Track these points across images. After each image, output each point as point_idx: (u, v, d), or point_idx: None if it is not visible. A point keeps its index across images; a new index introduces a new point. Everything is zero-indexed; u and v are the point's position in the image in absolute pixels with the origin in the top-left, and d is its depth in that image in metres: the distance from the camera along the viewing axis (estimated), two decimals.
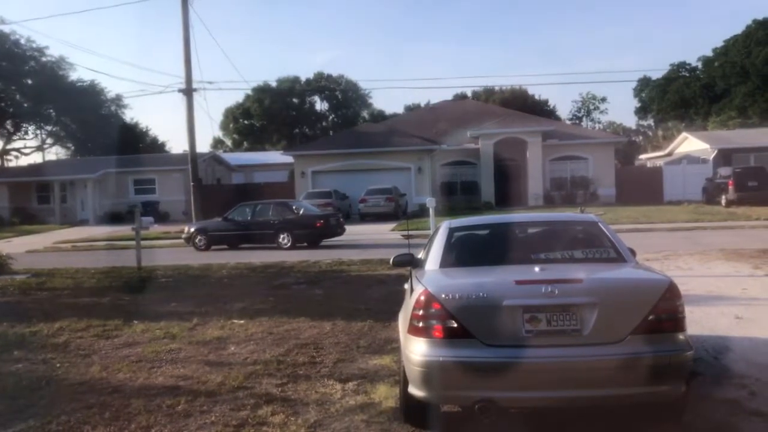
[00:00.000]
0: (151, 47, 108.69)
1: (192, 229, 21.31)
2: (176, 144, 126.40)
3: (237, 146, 74.71)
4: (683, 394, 4.47)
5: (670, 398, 4.40)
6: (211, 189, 38.62)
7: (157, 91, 64.87)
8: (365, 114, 78.02)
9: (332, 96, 78.68)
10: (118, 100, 54.31)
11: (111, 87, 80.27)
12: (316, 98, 79.38)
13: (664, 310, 4.33)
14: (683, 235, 19.15)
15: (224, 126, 76.60)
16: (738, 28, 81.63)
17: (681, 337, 4.37)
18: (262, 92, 71.20)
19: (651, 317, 4.28)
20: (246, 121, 75.95)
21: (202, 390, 5.88)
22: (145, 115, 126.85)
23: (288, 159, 40.43)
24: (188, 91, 26.31)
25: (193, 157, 27.01)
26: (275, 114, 72.47)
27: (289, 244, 19.85)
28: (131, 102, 71.16)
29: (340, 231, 21.24)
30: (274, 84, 73.54)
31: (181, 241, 21.64)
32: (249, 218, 21.00)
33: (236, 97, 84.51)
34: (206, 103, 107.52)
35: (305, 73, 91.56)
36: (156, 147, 63.19)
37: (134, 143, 55.61)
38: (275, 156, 49.57)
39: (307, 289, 11.80)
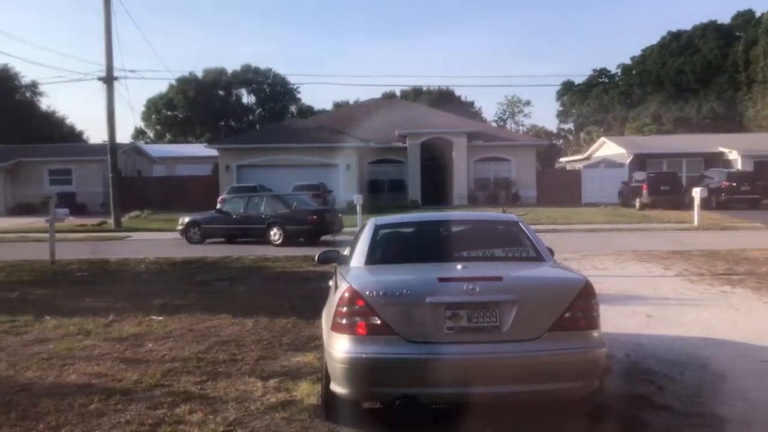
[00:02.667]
0: (70, 32, 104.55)
1: (186, 221, 20.37)
2: (95, 134, 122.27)
3: (159, 138, 72.73)
4: (597, 390, 4.63)
5: (584, 394, 4.54)
6: (131, 181, 37.53)
7: (76, 79, 62.32)
8: (293, 109, 77.38)
9: (260, 89, 77.68)
10: (33, 86, 52.03)
11: (26, 73, 76.76)
12: (243, 91, 78.23)
13: (579, 309, 4.47)
14: (599, 236, 19.85)
15: (146, 117, 74.44)
16: (654, 38, 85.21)
17: (595, 334, 4.53)
18: (186, 83, 69.53)
19: (567, 315, 4.42)
20: (169, 113, 74.04)
21: (117, 388, 5.69)
22: (62, 103, 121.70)
23: (212, 152, 39.69)
24: (108, 80, 25.47)
25: (112, 147, 26.16)
26: (200, 106, 70.89)
27: (280, 241, 18.61)
28: (48, 89, 68.01)
29: (337, 227, 19.76)
30: (199, 75, 71.99)
31: (107, 233, 20.88)
32: (241, 211, 19.85)
33: (159, 87, 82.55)
34: (128, 93, 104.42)
35: (232, 65, 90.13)
36: (73, 136, 60.76)
37: (50, 132, 53.31)
38: (199, 149, 48.59)
39: (229, 286, 11.61)
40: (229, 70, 75.85)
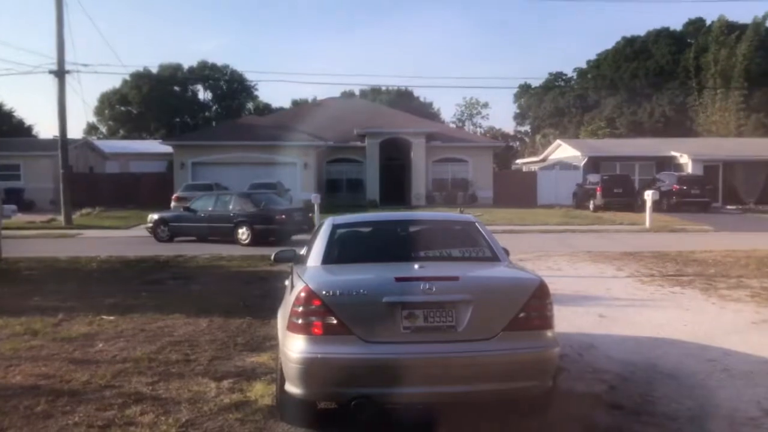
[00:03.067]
0: (20, 23, 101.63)
1: (154, 218, 19.78)
2: (46, 129, 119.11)
3: (112, 134, 71.15)
4: (550, 389, 4.68)
5: (538, 393, 4.59)
6: (82, 177, 36.60)
7: (26, 71, 60.81)
8: (250, 106, 76.59)
9: (216, 86, 76.69)
10: None
11: None
12: (199, 87, 77.10)
13: (534, 308, 4.52)
14: (554, 237, 20.15)
15: (99, 112, 72.75)
16: (609, 43, 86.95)
17: (549, 334, 4.58)
18: (141, 78, 68.20)
19: (522, 315, 4.46)
20: (123, 108, 72.50)
21: (66, 389, 5.54)
22: (11, 96, 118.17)
23: (167, 149, 38.99)
24: (60, 73, 24.85)
25: (63, 143, 25.51)
26: (155, 102, 69.60)
27: (248, 240, 18.08)
28: None
29: (306, 227, 18.68)
30: (154, 70, 70.66)
31: (61, 231, 20.30)
32: (210, 209, 19.29)
33: (113, 81, 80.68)
34: (80, 87, 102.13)
35: (189, 61, 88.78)
36: (22, 131, 59.00)
37: None
38: (153, 145, 47.71)
39: (183, 285, 11.42)
40: (185, 66, 74.79)
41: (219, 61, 79.57)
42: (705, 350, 6.82)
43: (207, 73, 75.04)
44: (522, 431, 4.58)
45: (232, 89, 77.05)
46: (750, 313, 8.74)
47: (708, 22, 64.83)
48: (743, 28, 57.76)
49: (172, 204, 28.04)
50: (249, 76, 78.01)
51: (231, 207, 19.06)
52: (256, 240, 18.04)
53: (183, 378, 5.88)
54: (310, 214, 20.56)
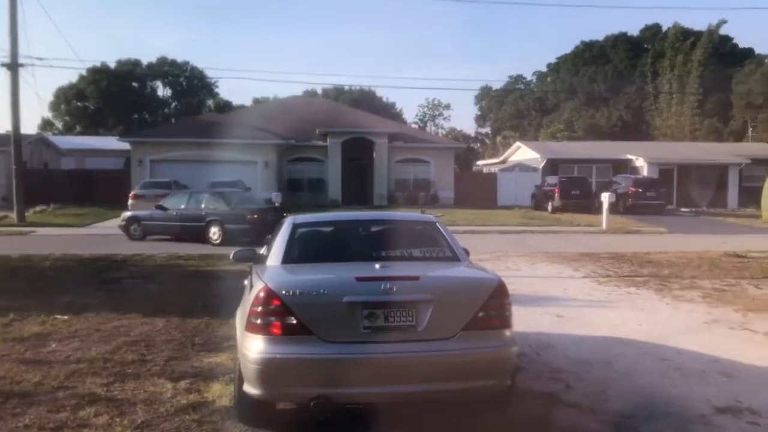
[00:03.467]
0: None
1: (127, 216, 19.28)
2: None
3: (68, 129, 69.47)
4: (508, 388, 4.73)
5: (496, 392, 4.64)
6: (36, 174, 35.64)
7: None
8: (211, 103, 75.66)
9: (176, 82, 75.55)
10: None
11: None
12: (159, 83, 75.86)
13: (493, 308, 4.56)
14: (513, 237, 20.37)
15: (55, 107, 71.01)
16: (568, 47, 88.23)
17: (508, 333, 4.62)
18: (98, 73, 66.78)
19: (481, 314, 4.49)
20: (80, 103, 70.89)
21: (16, 391, 5.39)
22: None
23: (125, 146, 38.30)
24: (13, 66, 24.25)
25: (16, 138, 24.89)
26: (113, 97, 68.24)
27: (219, 240, 17.52)
28: None
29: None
30: (112, 65, 69.29)
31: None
32: (182, 208, 18.66)
33: (69, 76, 79.02)
34: (34, 81, 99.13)
35: (148, 57, 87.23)
36: None
37: None
38: (111, 142, 46.77)
39: (140, 284, 11.23)
40: (144, 62, 73.54)
41: (179, 58, 78.63)
42: (659, 349, 6.96)
43: (166, 69, 73.89)
44: (480, 430, 4.62)
45: (192, 86, 76.01)
46: (702, 313, 8.96)
47: (664, 29, 66.41)
48: (698, 34, 59.27)
49: (130, 202, 27.52)
50: (210, 73, 77.27)
51: (203, 206, 18.53)
52: (228, 240, 17.23)
53: (139, 378, 5.78)
54: (285, 214, 20.11)
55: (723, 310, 9.09)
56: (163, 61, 74.32)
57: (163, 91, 76.88)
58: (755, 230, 22.97)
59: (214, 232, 17.91)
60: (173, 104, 77.05)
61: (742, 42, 66.37)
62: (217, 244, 17.47)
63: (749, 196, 34.36)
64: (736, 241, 18.41)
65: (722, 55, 59.00)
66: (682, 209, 34.54)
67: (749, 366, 6.33)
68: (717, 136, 56.42)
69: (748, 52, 63.59)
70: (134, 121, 70.32)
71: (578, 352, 6.82)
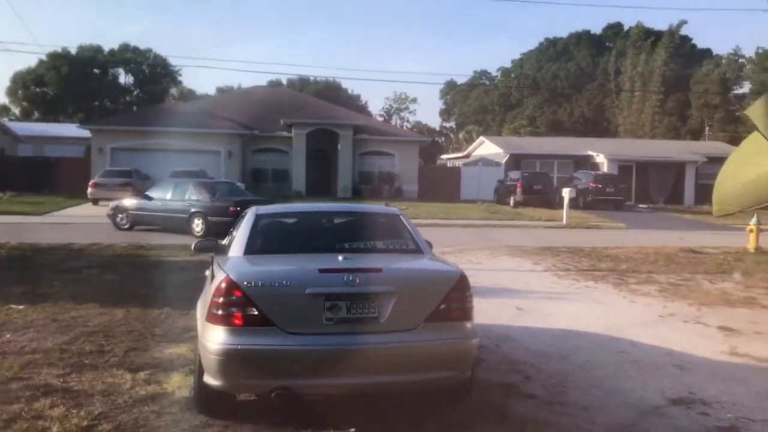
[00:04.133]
0: None
1: (114, 205, 18.60)
2: None
3: (26, 116, 67.70)
4: (468, 379, 4.80)
5: (456, 383, 4.70)
6: None
7: None
8: (174, 92, 74.53)
9: (138, 70, 74.16)
10: None
11: None
12: (121, 71, 74.37)
13: (454, 300, 4.60)
14: (476, 231, 20.55)
15: (12, 92, 69.08)
16: (533, 44, 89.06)
17: (468, 325, 4.68)
18: (59, 59, 65.21)
19: (443, 306, 4.54)
20: (38, 89, 69.07)
21: None
22: None
23: (85, 133, 37.55)
24: None
25: None
26: (73, 84, 66.64)
27: (202, 233, 16.56)
28: None
29: None
30: (73, 51, 67.68)
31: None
32: (167, 198, 17.86)
33: (28, 61, 76.91)
34: None
35: (110, 43, 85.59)
36: None
37: None
38: (71, 129, 45.80)
39: (99, 274, 11.04)
40: (106, 48, 71.97)
41: (142, 45, 77.13)
42: (616, 342, 7.11)
43: (129, 56, 72.48)
44: (440, 420, 4.67)
45: (155, 74, 74.69)
46: (658, 306, 9.17)
47: (626, 27, 67.47)
48: (659, 34, 60.41)
49: (89, 190, 27.03)
50: (173, 61, 75.85)
51: (187, 196, 17.78)
52: (210, 233, 16.37)
53: (97, 370, 5.69)
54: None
55: (678, 304, 9.32)
56: (125, 48, 72.88)
57: (125, 78, 75.43)
58: (710, 226, 23.55)
59: (197, 224, 17.32)
60: (135, 92, 75.65)
61: (700, 42, 67.92)
62: (200, 237, 16.65)
63: (705, 194, 35.13)
64: (692, 237, 18.86)
65: (682, 55, 60.20)
66: (640, 205, 35.23)
67: (701, 358, 6.51)
68: (675, 134, 57.65)
69: (706, 53, 65.00)
70: (95, 109, 68.83)
71: (537, 345, 6.93)
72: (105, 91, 72.07)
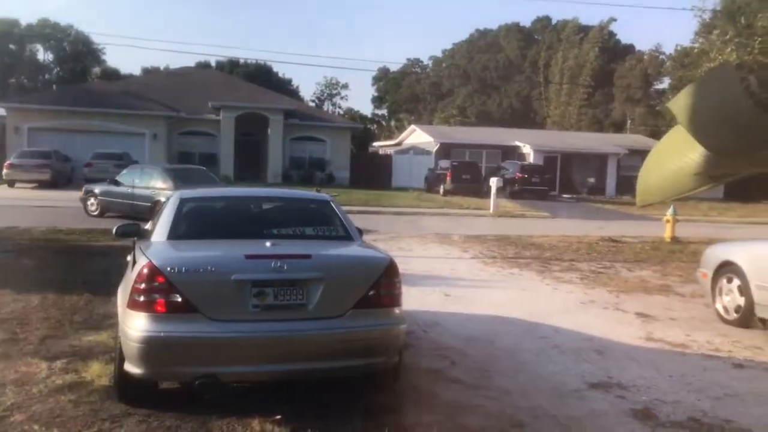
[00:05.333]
0: None
1: (85, 188, 17.56)
2: None
3: None
4: (396, 365, 4.84)
5: (384, 368, 4.72)
6: None
7: None
8: (97, 71, 71.68)
9: (59, 47, 70.96)
10: None
11: None
12: (39, 47, 71.00)
13: (383, 287, 4.62)
14: (406, 219, 20.69)
15: None
16: (464, 34, 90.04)
17: (397, 311, 4.71)
18: None
19: (371, 293, 4.55)
20: None
21: None
22: None
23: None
24: None
25: None
26: None
27: None
28: None
29: None
30: None
31: None
32: (135, 184, 16.66)
33: None
34: None
35: (27, 17, 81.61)
36: None
37: None
38: None
39: (13, 259, 10.56)
40: (23, 23, 68.53)
41: (62, 21, 73.87)
42: (539, 328, 7.30)
43: (48, 32, 69.23)
44: (368, 406, 4.68)
45: (77, 51, 71.62)
46: (579, 294, 9.46)
47: (554, 21, 69.02)
48: (586, 29, 62.13)
49: (5, 171, 25.87)
50: (96, 39, 72.97)
51: (152, 183, 16.65)
52: None
53: (9, 358, 5.44)
54: None
55: (598, 291, 9.64)
56: (44, 23, 69.53)
57: (44, 55, 72.02)
58: (630, 217, 24.46)
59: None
60: (55, 70, 72.36)
61: (624, 38, 70.12)
62: None
63: (626, 185, 36.52)
64: (613, 227, 19.52)
65: (606, 49, 62.07)
66: (564, 195, 36.23)
67: (620, 343, 6.76)
68: (599, 127, 59.48)
69: (630, 48, 67.19)
70: (11, 86, 65.52)
71: (463, 330, 7.03)
72: (22, 68, 68.65)
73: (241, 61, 69.03)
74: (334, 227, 5.51)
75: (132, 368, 4.23)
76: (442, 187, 32.65)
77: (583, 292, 9.55)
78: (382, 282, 4.62)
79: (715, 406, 4.97)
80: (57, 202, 20.66)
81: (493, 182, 24.87)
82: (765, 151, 1.37)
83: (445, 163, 34.27)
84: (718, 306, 7.93)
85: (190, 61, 79.01)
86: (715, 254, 8.23)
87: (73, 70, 69.62)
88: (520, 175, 32.33)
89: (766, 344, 6.83)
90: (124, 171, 18.36)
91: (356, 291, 4.53)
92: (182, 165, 23.95)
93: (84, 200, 17.75)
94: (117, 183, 17.31)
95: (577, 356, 6.24)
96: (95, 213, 17.48)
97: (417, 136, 43.78)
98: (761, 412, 4.90)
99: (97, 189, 17.77)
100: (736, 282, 7.62)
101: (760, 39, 26.98)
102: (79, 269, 9.69)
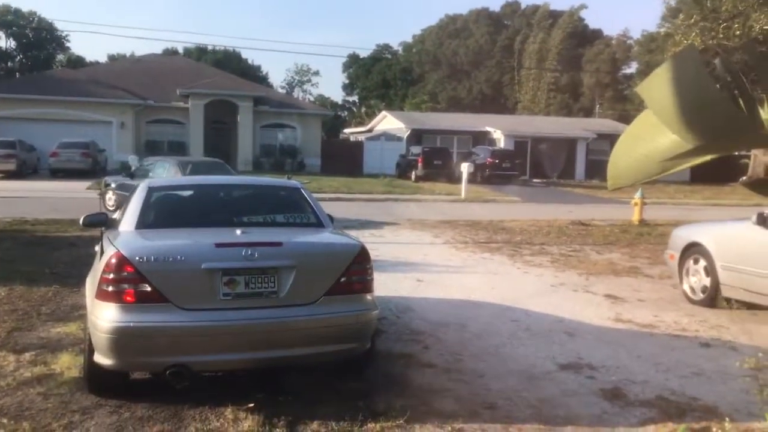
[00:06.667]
0: None
1: (103, 181, 16.93)
2: None
3: None
4: (369, 351, 4.85)
5: (357, 355, 4.74)
6: None
7: None
8: (61, 58, 70.28)
9: (21, 34, 69.34)
10: None
11: None
12: (1, 34, 69.32)
13: (355, 273, 4.63)
14: (378, 205, 20.70)
15: None
16: (434, 19, 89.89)
17: (369, 297, 4.72)
18: None
19: (343, 279, 4.55)
20: None
21: None
22: None
23: None
24: None
25: None
26: None
27: None
28: None
29: None
30: None
31: None
32: (148, 176, 15.21)
33: None
34: None
35: None
36: None
37: None
38: None
39: None
40: None
41: (24, 7, 72.16)
42: (510, 311, 7.37)
43: (10, 18, 67.57)
44: (341, 391, 4.69)
45: (40, 39, 70.10)
46: (550, 277, 9.57)
47: (523, 6, 69.24)
48: (556, 14, 62.47)
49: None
50: (59, 26, 71.36)
51: (165, 175, 15.67)
52: None
53: None
54: None
55: (568, 274, 9.76)
56: (5, 10, 67.85)
57: (6, 42, 70.33)
58: (599, 200, 24.76)
59: None
60: (18, 58, 70.74)
61: (592, 23, 70.68)
62: None
63: (595, 169, 36.93)
64: (582, 211, 19.75)
65: (575, 35, 62.49)
66: (535, 180, 36.52)
67: (589, 325, 6.86)
68: (568, 111, 59.98)
69: (598, 33, 67.71)
70: None
71: (436, 315, 7.08)
72: None
73: (210, 47, 68.33)
74: (304, 214, 5.50)
75: (102, 359, 4.19)
76: (413, 173, 32.68)
77: (554, 275, 9.66)
78: (353, 268, 4.63)
79: (683, 385, 5.08)
80: (23, 193, 20.26)
81: (465, 168, 24.97)
82: (730, 135, 1.40)
83: (416, 149, 34.29)
84: (685, 287, 8.08)
85: (157, 48, 77.99)
86: (682, 236, 8.38)
87: (37, 58, 68.22)
88: (491, 160, 32.49)
89: (732, 323, 6.98)
90: (140, 163, 17.82)
91: (328, 278, 4.53)
92: (199, 157, 23.45)
93: (102, 194, 17.17)
94: (132, 176, 16.68)
95: (548, 338, 6.32)
96: (113, 207, 16.62)
97: (388, 122, 43.71)
98: (726, 389, 5.02)
99: (113, 183, 17.26)
100: (703, 263, 7.77)
101: (724, 23, 27.36)
102: (47, 260, 9.55)
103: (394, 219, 16.49)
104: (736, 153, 34.02)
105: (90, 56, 74.13)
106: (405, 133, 39.42)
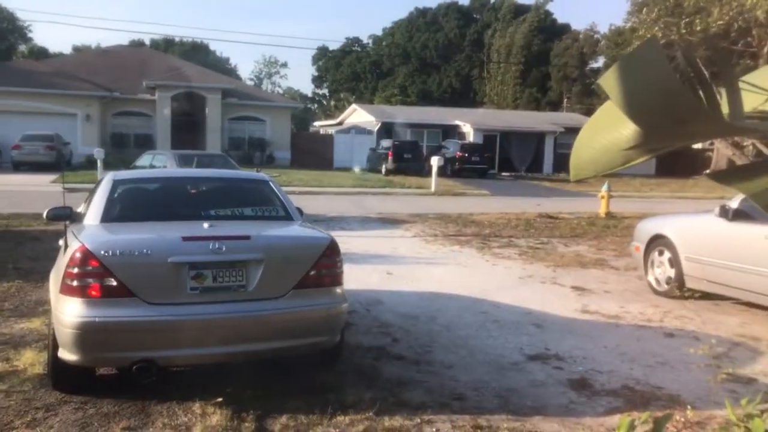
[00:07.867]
0: None
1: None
2: None
3: None
4: (338, 344, 4.85)
5: (326, 348, 4.73)
6: None
7: None
8: (24, 49, 68.76)
9: None
10: None
11: None
12: None
13: (324, 266, 4.61)
14: (349, 199, 20.67)
15: None
16: (404, 12, 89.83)
17: (338, 291, 4.72)
18: None
19: (312, 273, 4.54)
20: None
21: None
22: None
23: None
24: None
25: None
26: None
27: None
28: None
29: None
30: None
31: None
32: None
33: None
34: None
35: None
36: None
37: None
38: None
39: None
40: None
41: None
42: (479, 303, 7.43)
43: None
44: (310, 385, 4.68)
45: (1, 29, 68.46)
46: (518, 269, 9.66)
47: (492, 0, 69.51)
48: (523, 9, 62.85)
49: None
50: (22, 15, 69.83)
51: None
52: None
53: None
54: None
55: (536, 267, 9.86)
56: None
57: None
58: (566, 194, 25.04)
59: None
60: None
61: (560, 18, 71.29)
62: None
63: (562, 163, 37.27)
64: (549, 204, 19.97)
65: (543, 29, 62.97)
66: (503, 173, 36.78)
67: (556, 316, 6.94)
68: (536, 105, 60.47)
69: (566, 28, 68.33)
70: None
71: (405, 308, 7.10)
72: None
73: (177, 39, 67.41)
74: (273, 207, 5.47)
75: (66, 355, 4.12)
76: (383, 166, 32.69)
77: (522, 268, 9.75)
78: (322, 262, 4.61)
79: (648, 374, 5.17)
80: None
81: (434, 161, 25.05)
82: (690, 126, 1.42)
83: (386, 143, 34.28)
84: (650, 278, 8.22)
85: (123, 40, 76.72)
86: (647, 228, 8.52)
87: None
88: (461, 154, 32.65)
89: (695, 314, 7.13)
90: (142, 157, 17.45)
91: (297, 271, 4.51)
92: (202, 151, 22.98)
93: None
94: (135, 168, 16.32)
95: (516, 330, 6.38)
96: None
97: (358, 115, 43.62)
98: (689, 378, 5.12)
99: (118, 175, 16.68)
100: (667, 254, 7.91)
101: (686, 19, 27.82)
102: (10, 255, 9.35)
103: (364, 212, 16.48)
104: (700, 146, 34.70)
105: (54, 47, 72.74)
106: (375, 127, 39.37)
